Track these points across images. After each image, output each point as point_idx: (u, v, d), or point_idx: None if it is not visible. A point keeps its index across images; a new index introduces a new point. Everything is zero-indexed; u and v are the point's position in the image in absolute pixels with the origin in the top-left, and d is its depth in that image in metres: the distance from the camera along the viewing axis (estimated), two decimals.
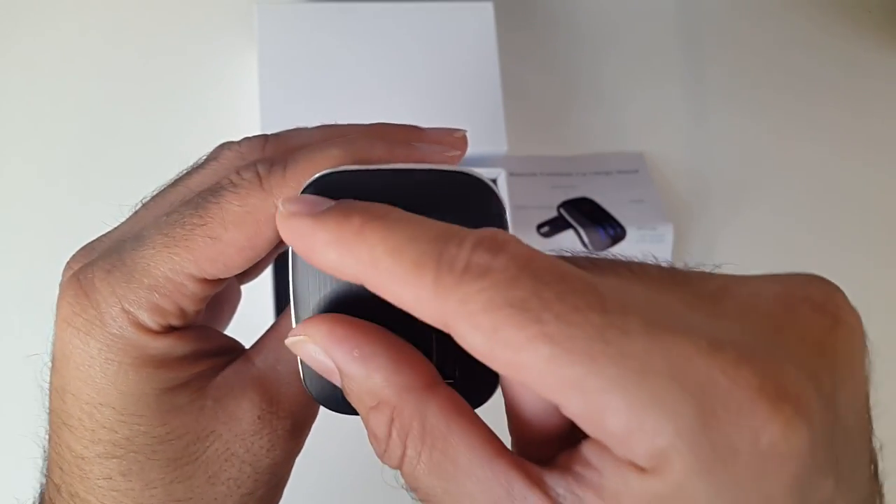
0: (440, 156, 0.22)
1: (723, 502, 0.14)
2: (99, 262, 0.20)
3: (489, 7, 0.49)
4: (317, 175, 0.19)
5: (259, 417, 0.21)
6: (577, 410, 0.14)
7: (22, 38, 0.52)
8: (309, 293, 0.20)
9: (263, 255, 0.21)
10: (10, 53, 0.51)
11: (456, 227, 0.16)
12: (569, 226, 0.51)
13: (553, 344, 0.14)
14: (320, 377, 0.20)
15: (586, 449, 0.15)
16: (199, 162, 0.22)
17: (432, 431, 0.17)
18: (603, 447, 0.15)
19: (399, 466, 0.17)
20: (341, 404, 0.20)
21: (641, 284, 0.16)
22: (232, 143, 0.22)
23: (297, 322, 0.20)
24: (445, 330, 0.15)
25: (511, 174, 0.52)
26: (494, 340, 0.14)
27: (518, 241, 0.16)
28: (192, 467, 0.21)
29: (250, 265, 0.21)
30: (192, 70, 0.53)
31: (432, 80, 0.48)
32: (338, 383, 0.18)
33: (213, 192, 0.20)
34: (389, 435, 0.17)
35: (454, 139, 0.23)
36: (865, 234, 0.58)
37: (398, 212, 0.17)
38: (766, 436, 0.13)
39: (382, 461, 0.17)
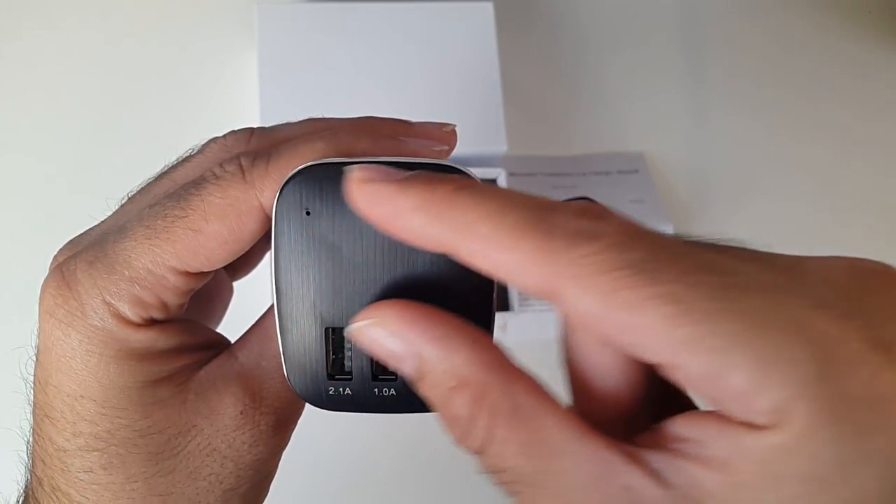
0: (427, 150, 0.22)
1: (845, 449, 0.14)
2: (82, 254, 0.20)
3: (489, 7, 0.49)
4: (300, 167, 0.19)
5: (241, 413, 0.21)
6: (697, 369, 0.14)
7: (21, 37, 0.52)
8: (293, 287, 0.20)
9: (246, 248, 0.20)
10: (9, 52, 0.51)
11: (549, 199, 0.16)
12: None
13: (674, 303, 0.14)
14: (304, 373, 0.20)
15: (676, 426, 0.15)
16: (185, 155, 0.22)
17: (523, 410, 0.16)
18: (698, 419, 0.15)
19: (483, 449, 0.16)
20: (325, 400, 0.20)
21: (729, 257, 0.16)
22: (218, 137, 0.22)
23: (280, 318, 0.20)
24: (549, 297, 0.15)
25: (511, 174, 0.52)
26: (610, 301, 0.14)
27: (618, 212, 0.16)
28: (174, 462, 0.20)
29: (233, 258, 0.20)
30: (192, 69, 0.52)
31: (432, 80, 0.48)
32: (405, 370, 0.17)
33: (195, 184, 0.20)
34: (474, 416, 0.16)
35: (443, 134, 0.23)
36: (866, 234, 0.58)
37: (485, 185, 0.16)
38: (882, 383, 0.14)
39: (462, 444, 0.17)
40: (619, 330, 0.15)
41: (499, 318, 0.47)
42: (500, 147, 0.47)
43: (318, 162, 0.19)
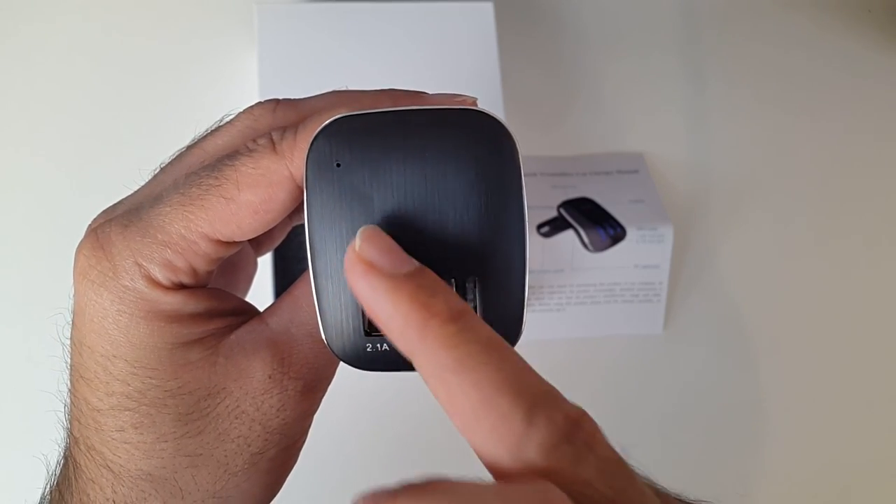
0: (449, 100, 0.22)
1: None
2: (117, 219, 0.21)
3: (489, 7, 0.49)
4: (326, 122, 0.19)
5: (270, 377, 0.21)
6: None
7: (21, 38, 0.52)
8: (326, 243, 0.19)
9: (277, 220, 0.21)
10: (9, 51, 0.51)
11: (547, 391, 0.15)
12: (569, 226, 0.51)
13: None
14: (341, 331, 0.20)
15: None
16: (214, 126, 0.23)
17: None
18: None
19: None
20: (362, 358, 0.20)
21: None
22: (245, 108, 0.23)
23: (315, 277, 0.20)
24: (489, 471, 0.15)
25: None
26: None
27: (605, 441, 0.15)
28: (203, 423, 0.21)
29: (263, 229, 0.21)
30: (192, 69, 0.53)
31: (432, 81, 0.48)
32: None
33: (229, 157, 0.20)
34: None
35: (461, 101, 0.23)
36: (865, 235, 0.58)
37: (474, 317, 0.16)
38: None
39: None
40: None
41: None
42: None
43: (346, 115, 0.19)
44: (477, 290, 0.19)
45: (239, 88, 0.52)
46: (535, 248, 0.51)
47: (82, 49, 0.52)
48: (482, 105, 0.21)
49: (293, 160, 0.20)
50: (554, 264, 0.51)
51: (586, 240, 0.51)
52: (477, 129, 0.19)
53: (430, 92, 0.22)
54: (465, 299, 0.19)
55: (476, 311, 0.19)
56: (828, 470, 0.53)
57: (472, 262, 0.19)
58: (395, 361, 0.20)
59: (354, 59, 0.48)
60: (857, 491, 0.53)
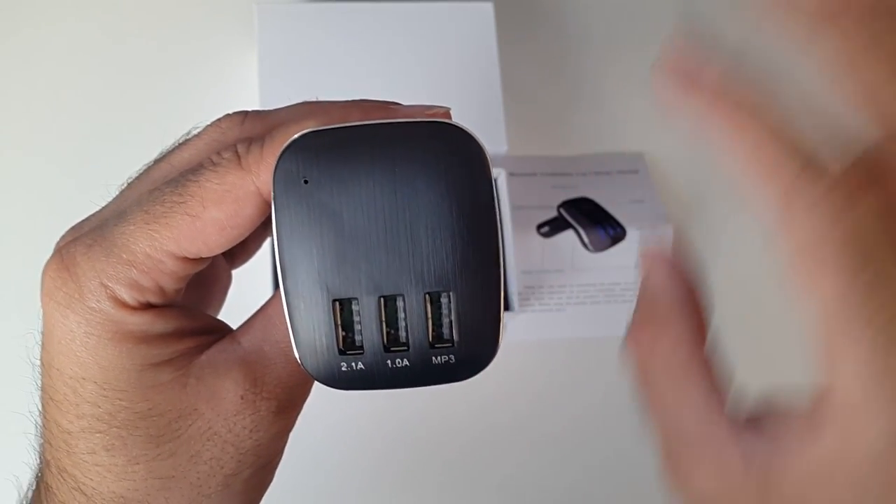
0: (420, 112, 0.22)
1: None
2: (82, 238, 0.21)
3: (489, 7, 0.49)
4: (295, 136, 0.19)
5: (242, 397, 0.21)
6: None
7: (20, 37, 0.52)
8: (296, 261, 0.19)
9: (244, 235, 0.20)
10: (9, 51, 0.51)
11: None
12: (569, 226, 0.51)
13: (848, 304, 0.14)
14: (315, 351, 0.19)
15: (771, 421, 0.17)
16: (181, 140, 0.23)
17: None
18: (790, 420, 0.16)
19: None
20: (337, 378, 0.20)
21: None
22: (213, 121, 0.22)
23: (287, 296, 0.19)
24: (769, 208, 0.17)
25: (511, 174, 0.52)
26: (808, 268, 0.15)
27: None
28: (175, 444, 0.21)
29: (231, 245, 0.20)
30: (192, 69, 0.52)
31: (432, 80, 0.48)
32: None
33: (193, 171, 0.20)
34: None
35: (432, 113, 0.23)
36: None
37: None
38: None
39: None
40: (791, 279, 0.16)
41: None
42: (500, 147, 0.47)
43: (312, 130, 0.19)
44: (452, 304, 0.19)
45: (239, 88, 0.52)
46: (535, 248, 0.51)
47: (82, 49, 0.52)
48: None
49: (259, 174, 0.20)
50: (554, 264, 0.51)
51: (586, 240, 0.51)
52: (447, 143, 0.19)
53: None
54: (440, 314, 0.19)
55: (451, 325, 0.19)
56: None
57: (445, 277, 0.19)
58: (370, 380, 0.20)
59: (354, 59, 0.48)
60: None
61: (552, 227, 0.51)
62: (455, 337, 0.20)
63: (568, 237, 0.51)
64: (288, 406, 0.22)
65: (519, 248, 0.50)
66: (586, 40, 0.59)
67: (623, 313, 0.53)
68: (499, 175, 0.48)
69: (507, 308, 0.47)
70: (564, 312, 0.52)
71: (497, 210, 0.19)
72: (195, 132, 0.22)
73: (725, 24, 0.62)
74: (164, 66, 0.52)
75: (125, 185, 0.23)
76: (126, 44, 0.53)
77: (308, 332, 0.19)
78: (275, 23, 0.47)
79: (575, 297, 0.52)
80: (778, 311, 0.56)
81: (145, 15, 0.53)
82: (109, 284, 0.20)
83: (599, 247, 0.51)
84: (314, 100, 0.23)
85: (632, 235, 0.51)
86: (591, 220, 0.52)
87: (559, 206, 0.53)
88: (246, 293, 0.28)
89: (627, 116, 0.58)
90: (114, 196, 0.23)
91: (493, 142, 0.47)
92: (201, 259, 0.21)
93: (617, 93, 0.58)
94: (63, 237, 0.22)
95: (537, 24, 0.59)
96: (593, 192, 0.54)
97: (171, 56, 0.53)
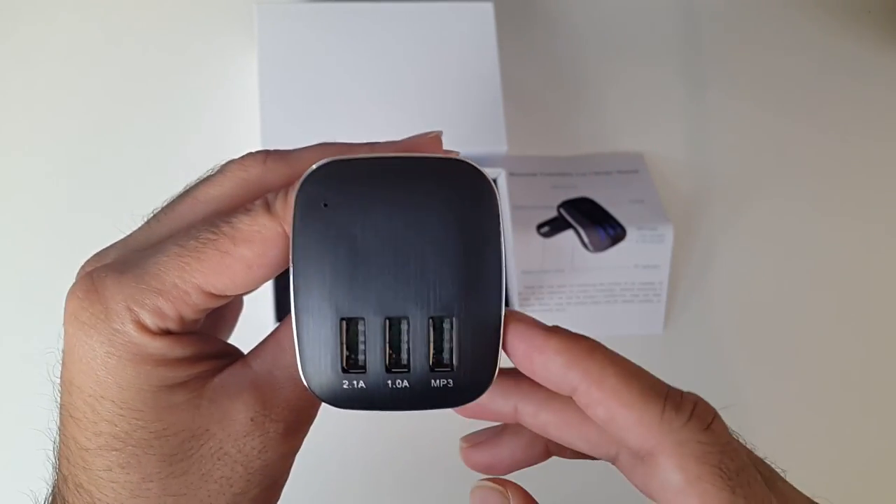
0: (424, 142, 0.24)
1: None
2: (113, 264, 0.22)
3: (489, 7, 0.49)
4: (320, 163, 0.21)
5: (252, 419, 0.22)
6: None
7: (20, 38, 0.52)
8: (309, 280, 0.20)
9: (268, 277, 0.22)
10: (9, 52, 0.51)
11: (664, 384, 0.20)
12: (569, 226, 0.51)
13: None
14: (318, 368, 0.21)
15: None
16: (206, 175, 0.24)
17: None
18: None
19: None
20: (338, 396, 0.21)
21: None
22: (235, 158, 0.24)
23: (297, 313, 0.20)
24: (640, 454, 0.19)
25: (511, 174, 0.52)
26: (692, 487, 0.18)
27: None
28: (187, 464, 0.21)
29: (254, 286, 0.22)
30: (193, 70, 0.53)
31: (432, 80, 0.48)
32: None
33: (227, 215, 0.22)
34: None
35: (429, 142, 0.24)
36: (865, 235, 0.58)
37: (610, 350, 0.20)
38: None
39: None
40: (676, 500, 0.19)
41: None
42: (500, 147, 0.47)
43: (335, 158, 0.21)
44: (454, 330, 0.21)
45: (239, 88, 0.52)
46: (535, 248, 0.51)
47: (82, 49, 0.52)
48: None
49: (286, 218, 0.21)
50: (554, 264, 0.51)
51: (586, 240, 0.51)
52: (459, 178, 0.21)
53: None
54: (442, 339, 0.21)
55: (451, 351, 0.21)
56: (828, 470, 0.53)
57: (449, 304, 0.20)
58: (370, 400, 0.21)
59: (354, 59, 0.48)
60: (857, 491, 0.53)
61: (552, 227, 0.51)
62: (455, 362, 0.21)
63: (568, 237, 0.51)
64: (295, 428, 0.23)
65: (519, 248, 0.50)
66: (586, 40, 0.59)
67: (623, 313, 0.53)
68: (499, 175, 0.48)
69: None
70: (564, 312, 0.52)
71: (502, 246, 0.21)
72: (218, 168, 0.24)
73: (725, 25, 0.63)
74: (164, 65, 0.52)
75: (150, 216, 0.24)
76: (126, 44, 0.53)
77: (314, 348, 0.20)
78: (275, 23, 0.47)
79: (575, 297, 0.52)
80: (777, 311, 0.56)
81: (145, 15, 0.53)
82: (135, 309, 0.21)
83: (599, 247, 0.51)
84: (332, 141, 0.24)
85: (632, 235, 0.51)
86: (591, 220, 0.52)
87: (559, 206, 0.53)
88: (249, 317, 0.29)
89: (627, 116, 0.58)
90: (140, 226, 0.24)
91: (493, 142, 0.47)
92: (223, 296, 0.22)
93: (617, 93, 0.58)
94: (88, 262, 0.23)
95: (537, 24, 0.59)
96: (593, 192, 0.54)
97: (171, 56, 0.53)
